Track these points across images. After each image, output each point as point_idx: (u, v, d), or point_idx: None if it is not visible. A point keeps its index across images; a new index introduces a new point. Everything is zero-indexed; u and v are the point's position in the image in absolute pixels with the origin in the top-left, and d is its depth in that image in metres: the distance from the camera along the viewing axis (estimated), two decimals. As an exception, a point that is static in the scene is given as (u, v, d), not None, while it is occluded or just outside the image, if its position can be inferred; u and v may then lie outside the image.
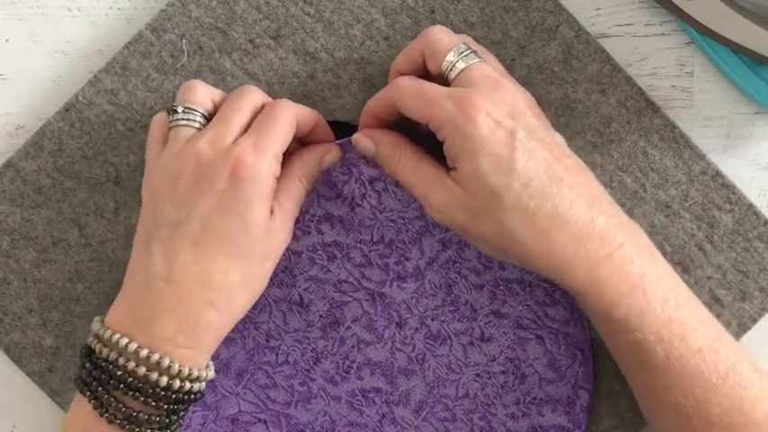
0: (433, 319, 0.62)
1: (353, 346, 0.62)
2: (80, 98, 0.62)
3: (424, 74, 0.58)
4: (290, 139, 0.57)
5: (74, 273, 0.63)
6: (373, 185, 0.61)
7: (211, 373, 0.56)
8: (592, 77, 0.61)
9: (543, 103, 0.61)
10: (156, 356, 0.53)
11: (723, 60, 0.61)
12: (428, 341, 0.62)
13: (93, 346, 0.54)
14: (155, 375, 0.53)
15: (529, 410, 0.61)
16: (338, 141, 0.61)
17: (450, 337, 0.62)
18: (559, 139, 0.56)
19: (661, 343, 0.54)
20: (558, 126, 0.61)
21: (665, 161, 0.62)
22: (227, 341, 0.62)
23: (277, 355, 0.62)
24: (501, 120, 0.54)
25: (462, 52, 0.56)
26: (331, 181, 0.61)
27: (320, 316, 0.62)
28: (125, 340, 0.53)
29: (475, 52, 0.56)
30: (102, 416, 0.53)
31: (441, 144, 0.56)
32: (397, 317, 0.62)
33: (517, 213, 0.53)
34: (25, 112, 0.64)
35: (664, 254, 0.61)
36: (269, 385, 0.62)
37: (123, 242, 0.63)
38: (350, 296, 0.62)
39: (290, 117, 0.56)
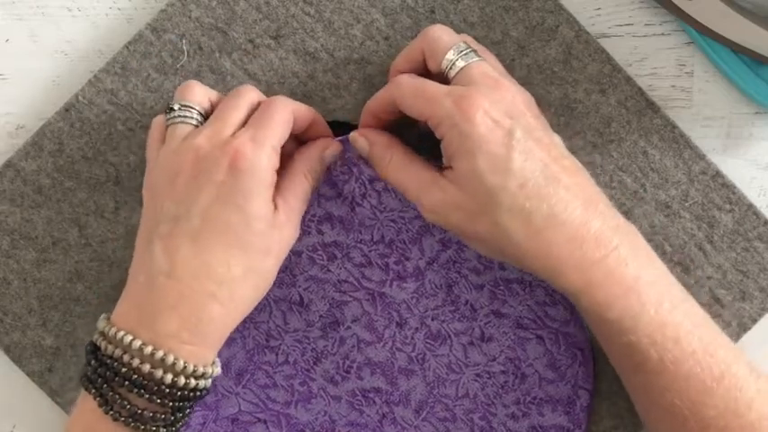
0: (433, 319, 0.62)
1: (353, 346, 0.62)
2: (80, 98, 0.62)
3: (425, 73, 0.58)
4: (287, 133, 0.57)
5: (74, 273, 0.63)
6: (373, 185, 0.61)
7: (217, 370, 0.56)
8: (592, 77, 0.61)
9: (543, 103, 0.61)
10: (160, 353, 0.53)
11: (723, 60, 0.61)
12: (428, 341, 0.62)
13: (98, 344, 0.54)
14: (159, 372, 0.53)
15: (529, 410, 0.61)
16: (338, 138, 0.61)
17: (450, 336, 0.62)
18: (557, 139, 0.56)
19: (655, 346, 0.53)
20: (558, 126, 0.61)
21: (665, 161, 0.62)
22: (228, 341, 0.62)
23: (277, 354, 0.62)
24: (499, 119, 0.54)
25: (462, 51, 0.56)
26: (331, 180, 0.61)
27: (320, 316, 0.62)
28: (129, 337, 0.53)
29: (475, 51, 0.56)
30: (106, 413, 0.53)
31: (439, 145, 0.56)
32: (398, 317, 0.62)
33: (513, 213, 0.53)
34: (25, 112, 0.64)
35: (663, 254, 0.62)
36: (269, 385, 0.62)
37: (123, 242, 0.63)
38: (350, 296, 0.62)
39: (287, 112, 0.56)
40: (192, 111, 0.57)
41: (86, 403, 0.54)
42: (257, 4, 0.62)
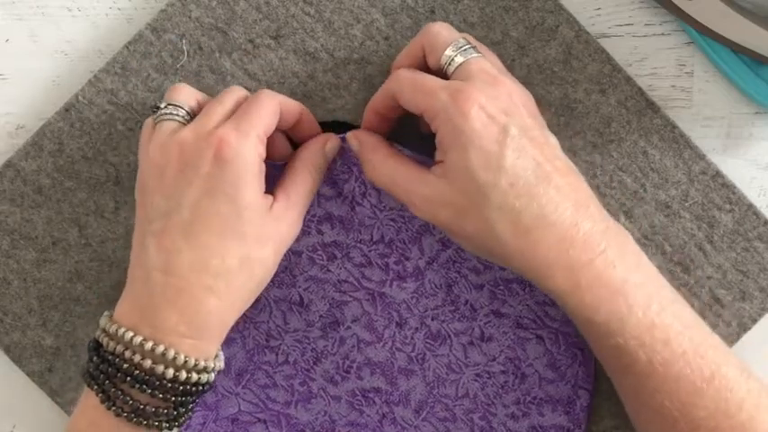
0: (433, 319, 0.62)
1: (353, 346, 0.62)
2: (80, 98, 0.62)
3: (425, 70, 0.58)
4: (273, 124, 0.56)
5: (74, 273, 0.63)
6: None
7: (220, 364, 0.56)
8: (592, 77, 0.61)
9: (543, 103, 0.61)
10: (160, 348, 0.53)
11: (723, 60, 0.61)
12: (428, 341, 0.62)
13: (100, 341, 0.54)
14: (161, 368, 0.53)
15: (529, 410, 0.61)
16: (340, 136, 0.61)
17: (450, 336, 0.62)
18: (553, 140, 0.56)
19: (643, 347, 0.53)
20: (558, 126, 0.62)
21: (665, 161, 0.62)
22: (228, 341, 0.62)
23: (277, 354, 0.62)
24: (495, 115, 0.53)
25: (461, 47, 0.56)
26: (331, 180, 0.61)
27: (320, 316, 0.62)
28: (130, 333, 0.53)
29: (474, 48, 0.56)
30: (109, 409, 0.53)
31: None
32: (397, 316, 0.62)
33: (502, 211, 0.53)
34: (25, 112, 0.64)
35: (663, 254, 0.62)
36: (269, 385, 0.62)
37: (123, 242, 0.63)
38: (350, 296, 0.62)
39: (273, 103, 0.57)
40: (179, 109, 0.57)
41: (89, 400, 0.55)
42: (257, 4, 0.62)
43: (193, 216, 0.54)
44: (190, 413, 0.55)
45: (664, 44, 0.62)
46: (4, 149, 0.64)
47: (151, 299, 0.54)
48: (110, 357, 0.53)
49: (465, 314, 0.62)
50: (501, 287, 0.61)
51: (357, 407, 0.62)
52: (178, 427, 0.55)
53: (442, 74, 0.56)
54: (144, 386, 0.53)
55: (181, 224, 0.54)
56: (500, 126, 0.53)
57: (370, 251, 0.62)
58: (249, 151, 0.54)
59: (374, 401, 0.62)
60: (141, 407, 0.53)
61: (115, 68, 0.62)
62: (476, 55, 0.56)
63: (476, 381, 0.62)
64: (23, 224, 0.63)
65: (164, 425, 0.54)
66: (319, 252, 0.62)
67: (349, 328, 0.62)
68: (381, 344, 0.62)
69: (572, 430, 0.61)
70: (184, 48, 0.62)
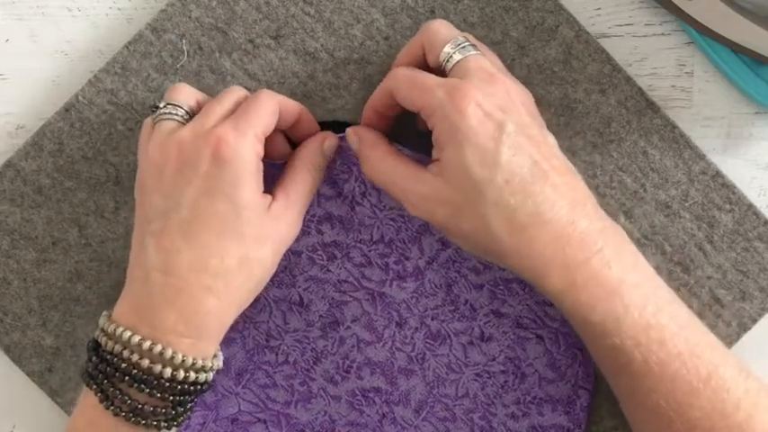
0: (432, 319, 0.62)
1: (353, 346, 0.62)
2: (80, 98, 0.63)
3: (425, 68, 0.58)
4: (272, 123, 0.56)
5: (74, 273, 0.63)
6: (374, 183, 0.61)
7: (219, 363, 0.56)
8: (592, 77, 0.61)
9: (543, 103, 0.61)
10: (158, 347, 0.53)
11: (723, 60, 0.61)
12: (428, 341, 0.62)
13: (99, 340, 0.54)
14: (158, 367, 0.53)
15: (529, 410, 0.61)
16: (339, 135, 0.61)
17: (449, 336, 0.62)
18: (551, 139, 0.56)
19: (639, 348, 0.53)
20: (558, 126, 0.62)
21: (665, 161, 0.62)
22: (227, 341, 0.62)
23: (277, 354, 0.62)
24: (491, 112, 0.53)
25: (460, 44, 0.56)
26: (331, 180, 0.61)
27: (320, 316, 0.62)
28: (128, 333, 0.53)
29: (473, 45, 0.56)
30: (107, 409, 0.53)
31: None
32: (397, 316, 0.62)
33: (498, 208, 0.53)
34: (25, 112, 0.64)
35: (663, 254, 0.62)
36: (269, 385, 0.62)
37: (123, 242, 0.63)
38: (350, 296, 0.62)
39: (272, 103, 0.57)
40: (178, 108, 0.57)
41: (88, 399, 0.55)
42: (257, 4, 0.62)
43: (192, 215, 0.54)
44: (188, 413, 0.55)
45: (664, 44, 0.63)
46: (4, 149, 0.64)
47: (150, 298, 0.54)
48: (108, 357, 0.53)
49: (465, 314, 0.61)
50: (501, 287, 0.61)
51: (357, 407, 0.62)
52: (177, 426, 0.55)
53: (441, 71, 0.56)
54: (142, 385, 0.53)
55: (180, 224, 0.54)
56: (496, 123, 0.53)
57: (369, 251, 0.62)
58: (247, 150, 0.54)
59: (374, 401, 0.62)
60: (139, 406, 0.53)
61: (115, 68, 0.62)
62: (474, 52, 0.56)
63: (476, 380, 0.62)
64: (23, 224, 0.63)
65: (162, 424, 0.54)
66: (319, 252, 0.62)
67: (349, 327, 0.62)
68: (381, 344, 0.62)
69: (572, 430, 0.61)
70: (184, 48, 0.62)
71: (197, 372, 0.54)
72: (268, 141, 0.57)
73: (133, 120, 0.63)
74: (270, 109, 0.56)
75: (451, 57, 0.56)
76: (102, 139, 0.63)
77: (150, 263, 0.54)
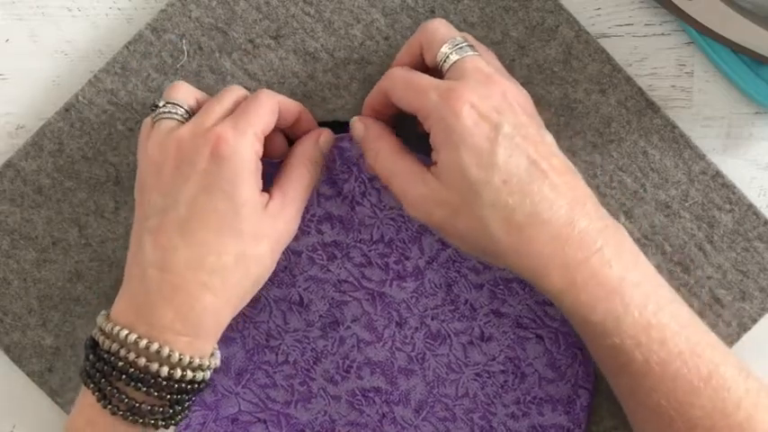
0: (432, 319, 0.62)
1: (353, 346, 0.62)
2: (80, 98, 0.63)
3: (424, 68, 0.58)
4: (272, 123, 0.56)
5: (74, 273, 0.63)
6: (373, 183, 0.61)
7: (216, 362, 0.56)
8: (592, 77, 0.62)
9: (543, 103, 0.61)
10: (155, 346, 0.53)
11: (723, 60, 0.61)
12: (428, 340, 0.62)
13: (96, 339, 0.54)
14: (155, 365, 0.53)
15: (529, 410, 0.61)
16: (338, 136, 0.61)
17: (449, 336, 0.62)
18: (549, 138, 0.56)
19: (639, 347, 0.53)
20: (558, 126, 0.62)
21: (665, 161, 0.62)
22: (228, 341, 0.62)
23: (277, 354, 0.62)
24: (486, 113, 0.53)
25: (457, 44, 0.56)
26: (331, 179, 0.61)
27: (320, 316, 0.62)
28: (125, 332, 0.53)
29: (471, 46, 0.56)
30: (105, 408, 0.53)
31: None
32: (397, 316, 0.62)
33: (495, 209, 0.53)
34: (25, 112, 0.64)
35: (663, 254, 0.62)
36: (269, 385, 0.62)
37: (123, 242, 0.63)
38: (350, 296, 0.62)
39: (272, 102, 0.57)
40: (178, 107, 0.57)
41: (86, 398, 0.55)
42: (257, 4, 0.62)
43: (190, 213, 0.54)
44: (186, 411, 0.55)
45: (664, 44, 0.63)
46: (4, 149, 0.64)
47: (147, 296, 0.54)
48: (105, 356, 0.53)
49: (465, 314, 0.61)
50: (501, 287, 0.61)
51: (357, 406, 0.62)
52: (175, 425, 0.55)
53: (438, 71, 0.56)
54: (139, 384, 0.53)
55: (177, 221, 0.54)
56: (492, 124, 0.53)
57: (369, 251, 0.62)
58: (246, 148, 0.54)
59: (374, 401, 0.62)
60: (137, 405, 0.53)
61: (115, 68, 0.62)
62: (471, 53, 0.56)
63: (476, 380, 0.62)
64: (23, 224, 0.63)
65: (160, 423, 0.54)
66: (319, 252, 0.62)
67: (349, 327, 0.62)
68: (381, 343, 0.62)
69: (572, 430, 0.61)
70: (184, 48, 0.62)
71: (194, 370, 0.54)
72: (267, 141, 0.57)
73: (133, 120, 0.63)
74: (269, 108, 0.56)
75: (448, 57, 0.56)
76: (102, 139, 0.63)
77: (147, 260, 0.54)
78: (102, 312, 0.55)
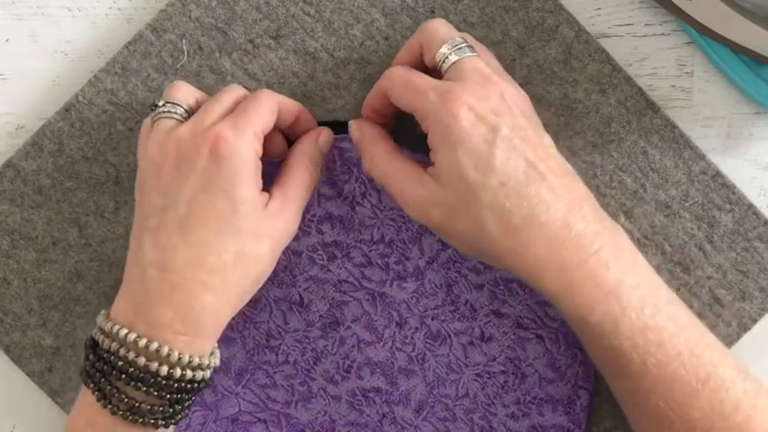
0: (433, 319, 0.62)
1: (353, 346, 0.62)
2: (80, 98, 0.63)
3: (423, 68, 0.58)
4: (271, 122, 0.56)
5: (74, 273, 0.63)
6: (373, 184, 0.61)
7: (216, 361, 0.56)
8: (592, 77, 0.62)
9: (543, 103, 0.61)
10: (154, 345, 0.53)
11: (723, 60, 0.61)
12: (428, 341, 0.62)
13: (96, 338, 0.54)
14: (155, 365, 0.53)
15: (529, 410, 0.61)
16: (339, 136, 0.61)
17: (450, 336, 0.62)
18: (548, 140, 0.56)
19: (636, 349, 0.53)
20: (558, 126, 0.62)
21: (665, 161, 0.62)
22: (228, 341, 0.62)
23: (277, 354, 0.62)
24: (484, 115, 0.53)
25: (456, 45, 0.56)
26: (331, 180, 0.61)
27: (320, 316, 0.62)
28: (125, 331, 0.53)
29: (470, 47, 0.56)
30: (105, 407, 0.53)
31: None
32: (398, 316, 0.62)
33: (493, 211, 0.53)
34: (25, 112, 0.64)
35: (663, 254, 0.62)
36: (269, 385, 0.62)
37: (123, 242, 0.63)
38: (350, 296, 0.62)
39: (271, 102, 0.57)
40: (177, 107, 0.57)
41: (86, 398, 0.55)
42: (257, 4, 0.62)
43: (189, 212, 0.54)
44: (186, 411, 0.55)
45: (664, 44, 0.63)
46: (4, 149, 0.64)
47: (147, 296, 0.54)
48: (105, 355, 0.53)
49: (465, 314, 0.62)
50: (501, 287, 0.61)
51: (357, 407, 0.62)
52: (175, 424, 0.55)
53: (437, 71, 0.56)
54: (139, 384, 0.53)
55: (177, 220, 0.54)
56: (490, 126, 0.53)
57: (370, 251, 0.62)
58: (246, 148, 0.54)
59: (374, 401, 0.62)
60: (137, 405, 0.53)
61: (115, 68, 0.62)
62: (470, 54, 0.56)
63: (476, 381, 0.62)
64: (23, 224, 0.63)
65: (160, 422, 0.54)
66: (319, 252, 0.62)
67: (349, 327, 0.62)
68: (381, 344, 0.62)
69: (572, 430, 0.61)
70: (184, 48, 0.62)
71: (194, 370, 0.54)
72: (267, 140, 0.57)
73: (133, 120, 0.63)
74: (269, 107, 0.56)
75: (447, 58, 0.56)
76: (102, 139, 0.63)
77: (147, 260, 0.54)
78: (102, 312, 0.56)
